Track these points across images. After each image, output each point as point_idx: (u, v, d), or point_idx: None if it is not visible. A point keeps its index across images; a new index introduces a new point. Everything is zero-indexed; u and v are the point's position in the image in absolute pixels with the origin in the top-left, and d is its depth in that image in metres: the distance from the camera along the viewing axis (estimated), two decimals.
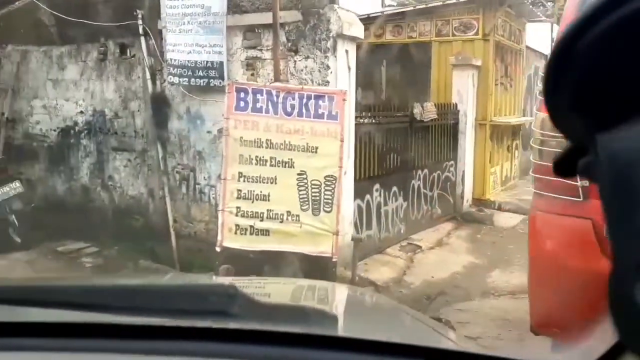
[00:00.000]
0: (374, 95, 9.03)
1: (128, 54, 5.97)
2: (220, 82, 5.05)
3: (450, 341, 1.34)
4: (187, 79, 5.32)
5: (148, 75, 5.65)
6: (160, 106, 5.68)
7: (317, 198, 4.38)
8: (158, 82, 5.71)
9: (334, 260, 4.42)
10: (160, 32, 5.56)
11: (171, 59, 5.37)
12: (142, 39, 5.64)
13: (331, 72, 4.74)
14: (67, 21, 6.20)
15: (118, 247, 6.03)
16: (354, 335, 0.96)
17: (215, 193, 5.48)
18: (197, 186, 5.64)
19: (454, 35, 7.88)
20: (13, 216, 5.73)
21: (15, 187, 5.75)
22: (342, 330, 1.12)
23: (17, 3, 6.32)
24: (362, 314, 1.50)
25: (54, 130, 6.75)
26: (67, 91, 6.56)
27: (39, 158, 6.95)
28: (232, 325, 0.90)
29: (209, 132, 5.45)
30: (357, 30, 4.93)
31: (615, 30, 0.41)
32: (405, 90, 8.41)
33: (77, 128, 6.54)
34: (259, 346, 0.86)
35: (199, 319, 0.91)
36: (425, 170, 6.80)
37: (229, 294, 1.00)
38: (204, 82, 5.20)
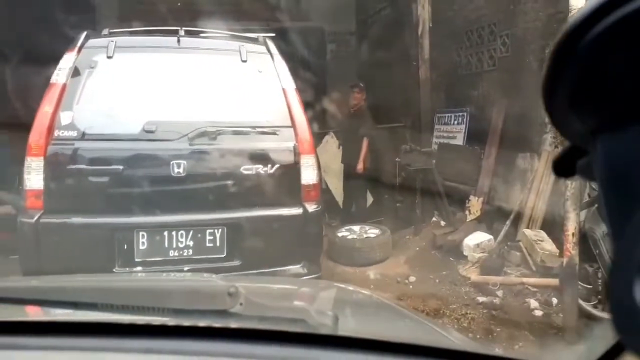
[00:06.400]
0: None
1: None
2: None
3: (450, 340, 1.29)
4: None
5: None
6: None
7: None
8: None
9: None
10: None
11: None
12: None
13: None
14: None
15: None
16: (354, 335, 0.97)
17: None
18: None
19: None
20: None
21: None
22: (342, 329, 1.03)
23: None
24: (362, 314, 1.52)
25: None
26: None
27: None
28: (233, 324, 0.92)
29: None
30: None
31: (617, 30, 0.38)
32: None
33: None
34: (260, 345, 0.88)
35: (199, 318, 0.93)
36: None
37: (229, 293, 1.01)
38: None
